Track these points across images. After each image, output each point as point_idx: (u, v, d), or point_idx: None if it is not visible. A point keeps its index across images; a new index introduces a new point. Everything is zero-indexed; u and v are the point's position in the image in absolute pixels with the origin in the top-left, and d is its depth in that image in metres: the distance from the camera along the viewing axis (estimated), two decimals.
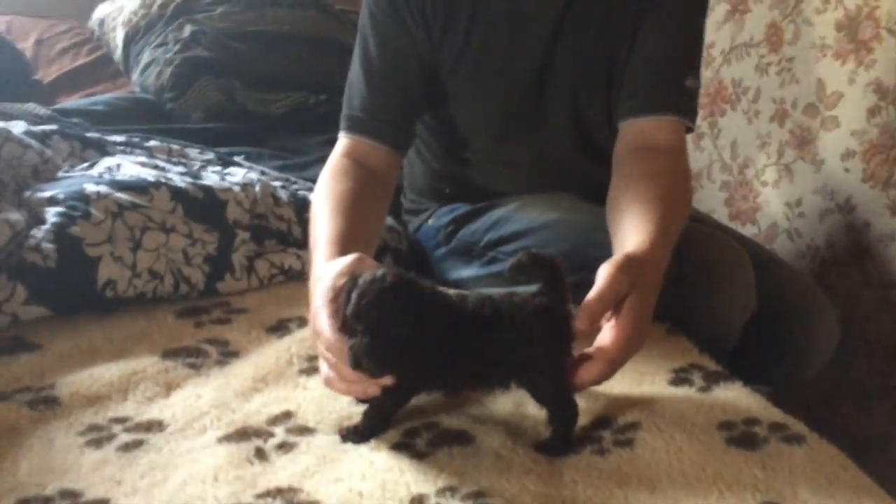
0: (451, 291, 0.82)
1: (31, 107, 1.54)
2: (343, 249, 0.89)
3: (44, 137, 1.29)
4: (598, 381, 0.79)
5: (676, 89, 1.10)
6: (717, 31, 1.63)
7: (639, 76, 1.11)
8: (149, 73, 1.82)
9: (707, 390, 0.87)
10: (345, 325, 0.74)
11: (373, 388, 0.75)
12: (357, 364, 0.71)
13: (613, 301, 0.79)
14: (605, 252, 1.06)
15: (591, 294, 0.78)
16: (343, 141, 1.12)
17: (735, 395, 0.86)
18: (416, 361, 0.73)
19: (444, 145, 1.26)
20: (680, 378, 0.89)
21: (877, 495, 0.71)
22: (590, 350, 0.79)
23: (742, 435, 0.79)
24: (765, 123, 1.54)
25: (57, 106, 1.66)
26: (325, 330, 0.77)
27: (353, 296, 0.72)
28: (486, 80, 1.15)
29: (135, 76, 1.88)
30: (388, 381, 0.73)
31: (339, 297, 0.77)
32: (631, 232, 0.92)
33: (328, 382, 0.80)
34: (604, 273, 0.80)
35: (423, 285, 0.74)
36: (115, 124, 1.59)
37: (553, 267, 0.77)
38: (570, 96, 1.17)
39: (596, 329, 0.80)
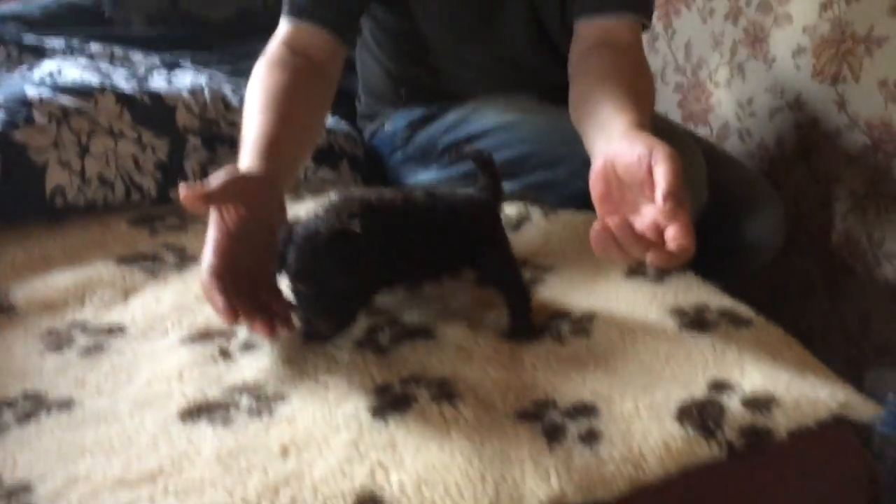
0: (396, 192, 0.81)
1: None
2: (269, 148, 0.85)
3: None
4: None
5: None
6: None
7: None
8: None
9: (660, 280, 0.89)
10: (280, 271, 0.72)
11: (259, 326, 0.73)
12: (308, 325, 0.74)
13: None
14: (566, 151, 1.07)
15: (669, 180, 0.72)
16: (283, 27, 1.05)
17: (686, 284, 0.89)
18: (368, 290, 0.75)
19: (400, 45, 1.23)
20: (633, 270, 0.92)
21: (819, 370, 0.75)
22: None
23: (692, 320, 0.82)
24: (719, 22, 1.54)
25: None
26: (203, 271, 0.75)
27: (291, 255, 0.69)
28: None
29: None
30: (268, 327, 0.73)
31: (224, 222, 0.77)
32: (615, 120, 0.88)
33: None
34: (662, 158, 0.74)
35: (357, 226, 0.69)
36: (51, 31, 1.52)
37: (487, 162, 0.82)
38: None
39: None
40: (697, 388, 0.71)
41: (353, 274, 0.69)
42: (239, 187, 0.78)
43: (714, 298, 0.86)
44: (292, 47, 1.03)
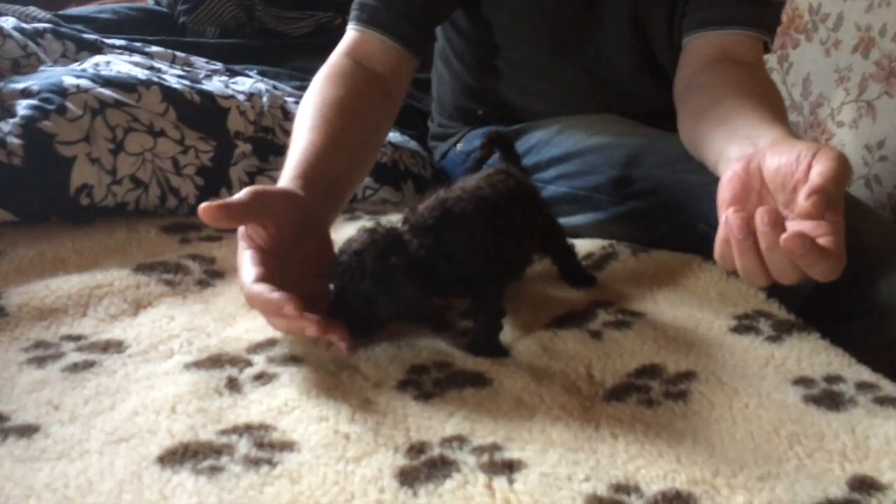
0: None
1: (31, 9, 1.41)
2: (311, 168, 0.76)
3: (35, 35, 1.17)
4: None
5: (760, 1, 0.94)
6: None
7: None
8: None
9: (777, 340, 0.72)
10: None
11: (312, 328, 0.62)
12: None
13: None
14: (660, 177, 0.92)
15: (825, 177, 0.59)
16: (350, 35, 0.96)
17: (812, 348, 0.71)
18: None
19: (480, 57, 1.11)
20: (744, 325, 0.74)
21: None
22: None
23: (824, 393, 0.63)
24: (845, 55, 1.35)
25: (60, 12, 1.53)
26: (245, 284, 0.66)
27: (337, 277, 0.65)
28: None
29: None
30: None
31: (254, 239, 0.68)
32: (763, 129, 0.74)
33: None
34: (827, 157, 0.61)
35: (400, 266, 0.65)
36: (122, 35, 1.46)
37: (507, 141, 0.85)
38: (629, 5, 1.01)
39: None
40: (834, 486, 0.53)
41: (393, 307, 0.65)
42: (263, 203, 0.68)
43: (849, 369, 0.67)
44: (356, 58, 0.93)
